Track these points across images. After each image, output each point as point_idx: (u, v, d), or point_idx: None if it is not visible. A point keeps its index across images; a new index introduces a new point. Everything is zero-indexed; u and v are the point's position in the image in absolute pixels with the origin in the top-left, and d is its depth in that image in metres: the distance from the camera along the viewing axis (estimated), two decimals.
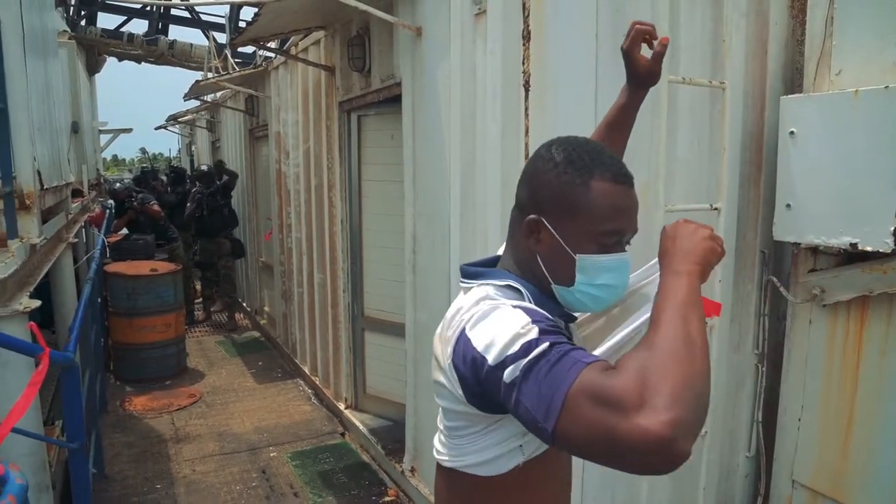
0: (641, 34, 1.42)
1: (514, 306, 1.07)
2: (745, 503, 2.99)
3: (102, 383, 5.39)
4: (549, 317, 1.08)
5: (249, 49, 9.35)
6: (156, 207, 8.27)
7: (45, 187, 3.44)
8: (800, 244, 2.56)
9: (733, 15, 2.54)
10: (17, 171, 2.85)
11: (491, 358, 1.00)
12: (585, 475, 2.51)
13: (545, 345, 0.95)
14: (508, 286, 1.18)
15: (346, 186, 4.81)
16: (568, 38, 2.45)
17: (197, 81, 8.34)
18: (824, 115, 2.37)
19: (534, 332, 0.98)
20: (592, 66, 2.44)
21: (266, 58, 6.82)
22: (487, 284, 1.19)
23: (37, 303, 2.74)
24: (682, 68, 2.50)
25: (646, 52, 1.44)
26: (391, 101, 3.98)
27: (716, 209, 2.51)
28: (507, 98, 2.59)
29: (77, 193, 5.90)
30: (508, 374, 0.97)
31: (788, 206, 2.52)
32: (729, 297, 2.75)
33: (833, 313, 2.50)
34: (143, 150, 42.53)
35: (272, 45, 5.49)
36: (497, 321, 1.04)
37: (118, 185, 8.70)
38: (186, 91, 8.72)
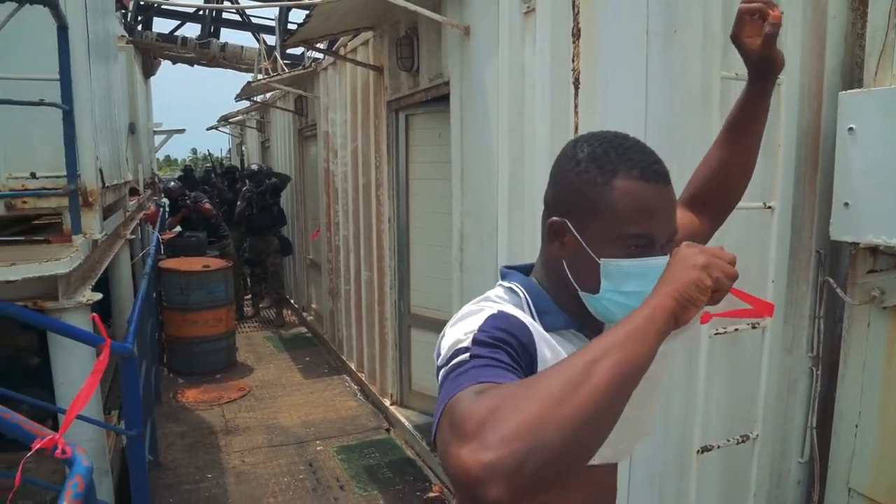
0: (746, 14, 1.23)
1: (497, 311, 1.02)
2: None
3: (157, 375, 5.57)
4: (504, 329, 0.98)
5: (298, 50, 9.52)
6: (207, 206, 8.47)
7: (106, 185, 3.58)
8: (858, 244, 2.48)
9: (789, 9, 2.48)
10: (81, 169, 2.97)
11: (438, 361, 0.98)
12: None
13: (465, 355, 0.91)
14: (511, 289, 1.15)
15: (393, 185, 4.86)
16: (618, 34, 2.43)
17: (248, 83, 8.52)
18: (886, 110, 2.29)
19: (467, 341, 0.93)
20: (643, 62, 2.41)
21: (315, 59, 6.93)
22: (500, 286, 1.17)
23: (99, 295, 2.85)
24: (736, 63, 2.45)
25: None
26: (439, 100, 4.01)
27: (769, 208, 2.46)
28: (556, 96, 2.59)
29: (133, 192, 6.10)
30: (440, 379, 0.94)
31: (846, 204, 2.44)
32: (782, 298, 2.68)
33: (894, 316, 2.42)
34: (194, 150, 43.74)
35: (321, 45, 5.58)
36: (462, 324, 1.00)
37: (172, 184, 8.96)
38: (237, 92, 8.93)
